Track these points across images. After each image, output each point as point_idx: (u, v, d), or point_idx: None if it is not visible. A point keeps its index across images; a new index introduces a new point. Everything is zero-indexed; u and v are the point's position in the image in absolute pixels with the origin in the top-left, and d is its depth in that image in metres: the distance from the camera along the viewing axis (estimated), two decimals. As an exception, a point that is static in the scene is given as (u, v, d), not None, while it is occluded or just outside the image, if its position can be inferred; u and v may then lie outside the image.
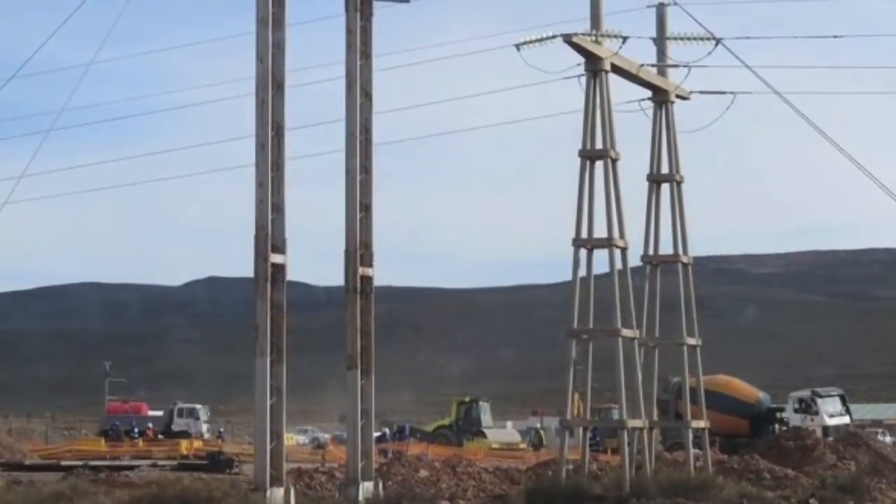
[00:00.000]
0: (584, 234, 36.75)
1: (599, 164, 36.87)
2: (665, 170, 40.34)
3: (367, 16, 30.69)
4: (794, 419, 67.11)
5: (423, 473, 41.78)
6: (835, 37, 39.38)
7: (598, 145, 36.73)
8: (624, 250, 37.22)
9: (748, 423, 67.40)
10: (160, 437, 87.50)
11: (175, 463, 57.04)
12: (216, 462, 54.64)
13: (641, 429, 38.06)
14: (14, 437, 78.51)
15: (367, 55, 30.68)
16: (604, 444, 63.79)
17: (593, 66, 36.37)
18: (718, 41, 36.95)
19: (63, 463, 55.67)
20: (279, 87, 28.52)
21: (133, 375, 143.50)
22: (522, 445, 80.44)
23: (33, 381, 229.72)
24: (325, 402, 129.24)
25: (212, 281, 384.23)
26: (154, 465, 53.75)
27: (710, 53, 37.49)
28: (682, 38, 38.47)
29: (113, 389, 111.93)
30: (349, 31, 30.47)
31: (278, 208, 28.01)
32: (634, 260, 38.96)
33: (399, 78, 41.23)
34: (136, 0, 31.08)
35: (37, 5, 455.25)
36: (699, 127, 40.00)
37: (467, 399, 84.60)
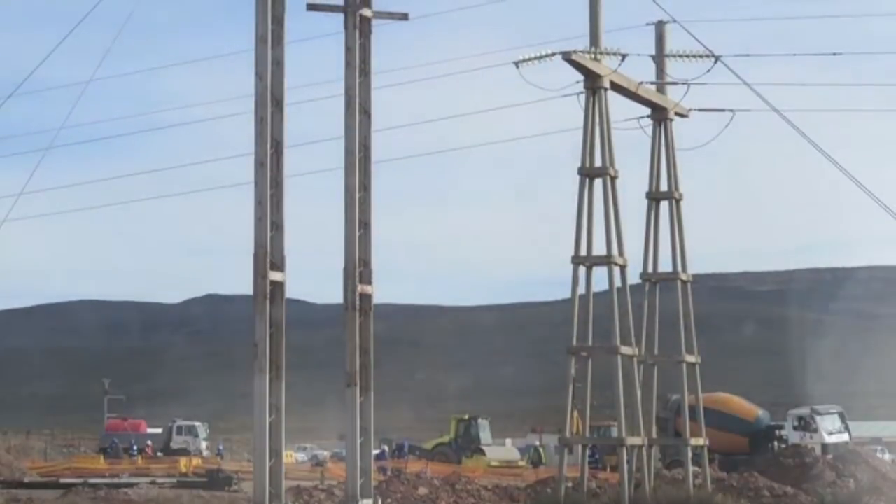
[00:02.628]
0: (584, 252, 36.81)
1: (598, 182, 36.95)
2: (664, 187, 40.42)
3: (365, 33, 30.71)
4: (793, 437, 66.95)
5: (423, 491, 41.77)
6: (834, 54, 39.37)
7: (598, 163, 36.83)
8: (623, 268, 37.27)
9: (747, 441, 67.30)
10: (159, 454, 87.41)
11: (174, 480, 57.00)
12: (215, 479, 54.59)
13: (640, 446, 38.05)
14: (13, 454, 78.41)
15: (366, 73, 30.70)
16: (603, 462, 63.72)
17: (592, 83, 36.49)
18: (717, 58, 37.05)
19: (62, 480, 55.63)
20: (278, 104, 28.54)
21: (132, 393, 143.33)
22: (521, 463, 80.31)
23: (32, 399, 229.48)
24: (324, 419, 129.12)
25: (210, 298, 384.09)
26: (153, 483, 53.70)
27: (709, 71, 37.60)
28: (681, 56, 38.57)
29: (112, 407, 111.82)
30: (348, 49, 30.50)
31: (277, 226, 28.00)
32: (634, 277, 39.01)
33: (398, 95, 41.32)
34: (135, 18, 31.09)
35: (36, 23, 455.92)
36: (698, 144, 40.10)
37: (466, 416, 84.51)
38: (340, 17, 30.43)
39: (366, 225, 30.30)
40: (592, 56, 36.19)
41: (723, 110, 40.03)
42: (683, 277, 40.50)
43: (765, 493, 42.99)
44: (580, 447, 41.51)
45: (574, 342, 36.99)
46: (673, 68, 39.45)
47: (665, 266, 40.64)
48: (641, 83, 38.73)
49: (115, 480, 55.66)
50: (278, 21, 28.87)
